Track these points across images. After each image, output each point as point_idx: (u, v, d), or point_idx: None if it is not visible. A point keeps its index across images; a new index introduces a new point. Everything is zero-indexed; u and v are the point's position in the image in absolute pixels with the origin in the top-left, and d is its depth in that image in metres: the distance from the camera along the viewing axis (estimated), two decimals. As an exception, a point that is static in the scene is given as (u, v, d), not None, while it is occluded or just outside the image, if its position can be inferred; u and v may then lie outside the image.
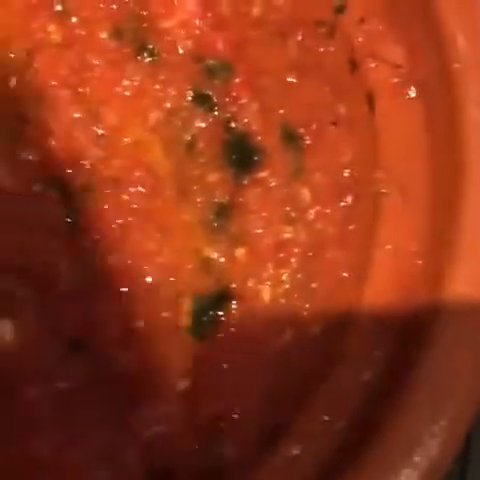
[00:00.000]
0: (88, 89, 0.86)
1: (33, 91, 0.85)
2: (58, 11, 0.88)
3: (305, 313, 0.82)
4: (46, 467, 0.73)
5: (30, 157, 0.84)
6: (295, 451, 0.75)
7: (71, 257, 0.81)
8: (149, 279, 0.81)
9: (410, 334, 0.75)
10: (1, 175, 0.82)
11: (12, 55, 0.87)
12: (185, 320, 0.80)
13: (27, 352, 0.76)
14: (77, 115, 0.85)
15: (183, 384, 0.78)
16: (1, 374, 0.75)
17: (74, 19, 0.88)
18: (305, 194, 0.85)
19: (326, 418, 0.76)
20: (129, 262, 0.82)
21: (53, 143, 0.84)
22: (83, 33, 0.88)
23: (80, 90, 0.86)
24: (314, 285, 0.83)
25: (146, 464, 0.75)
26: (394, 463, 0.66)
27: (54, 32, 0.87)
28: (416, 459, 0.65)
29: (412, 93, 0.85)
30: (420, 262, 0.81)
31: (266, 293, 0.82)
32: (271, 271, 0.82)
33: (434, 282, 0.74)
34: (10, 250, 0.79)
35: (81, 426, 0.75)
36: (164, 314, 0.80)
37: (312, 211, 0.85)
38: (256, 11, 0.89)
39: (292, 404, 0.78)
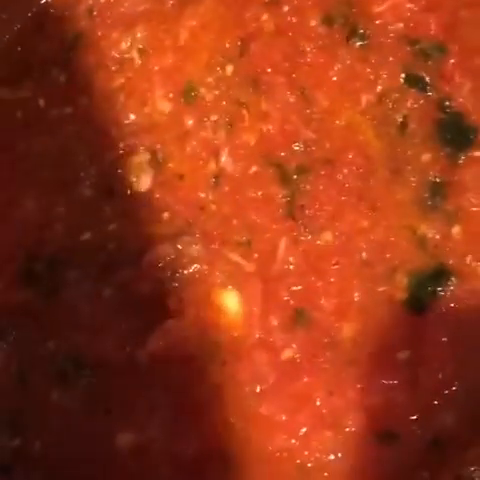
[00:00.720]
0: (301, 74, 0.89)
1: (249, 77, 0.89)
2: (270, 0, 0.91)
3: None
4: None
5: (247, 140, 0.87)
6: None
7: (289, 235, 0.83)
8: (364, 255, 0.82)
9: None
10: (225, 160, 0.86)
11: (227, 44, 0.90)
12: (402, 294, 0.81)
13: (252, 322, 0.79)
14: (291, 99, 0.88)
15: (404, 355, 0.78)
16: (231, 342, 0.79)
17: (286, 8, 0.91)
18: (524, 172, 0.84)
19: None
20: (344, 239, 0.83)
21: (269, 126, 0.87)
22: (295, 21, 0.91)
23: (293, 75, 0.89)
24: None
25: (370, 427, 0.75)
26: None
27: (267, 21, 0.91)
28: None
29: None
30: None
31: (485, 270, 0.81)
32: (491, 248, 0.82)
33: None
34: (238, 227, 0.83)
35: (302, 393, 0.77)
36: (380, 288, 0.81)
37: None
38: (467, -8, 0.89)
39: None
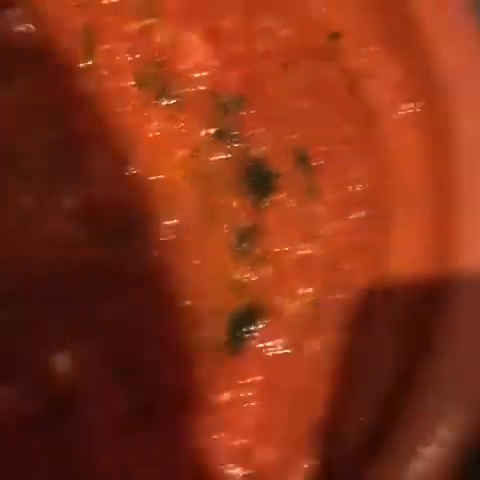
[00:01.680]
0: (117, 136, 0.95)
1: (71, 143, 0.95)
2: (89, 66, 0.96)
3: (332, 323, 0.90)
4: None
5: (72, 205, 0.93)
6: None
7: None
8: (188, 302, 0.90)
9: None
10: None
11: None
12: (221, 337, 0.89)
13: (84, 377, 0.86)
14: (109, 162, 0.94)
15: (222, 398, 0.87)
16: (60, 396, 0.85)
17: (105, 72, 0.97)
18: (320, 211, 0.92)
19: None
20: (171, 288, 0.91)
21: (93, 190, 0.94)
22: (111, 84, 0.97)
23: (109, 137, 0.95)
24: (337, 295, 0.91)
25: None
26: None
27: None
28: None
29: (410, 110, 0.92)
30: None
31: (292, 307, 0.90)
32: (296, 286, 0.90)
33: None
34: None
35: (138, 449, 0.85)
36: (203, 333, 0.89)
37: (327, 226, 0.92)
38: (261, 45, 0.96)
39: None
